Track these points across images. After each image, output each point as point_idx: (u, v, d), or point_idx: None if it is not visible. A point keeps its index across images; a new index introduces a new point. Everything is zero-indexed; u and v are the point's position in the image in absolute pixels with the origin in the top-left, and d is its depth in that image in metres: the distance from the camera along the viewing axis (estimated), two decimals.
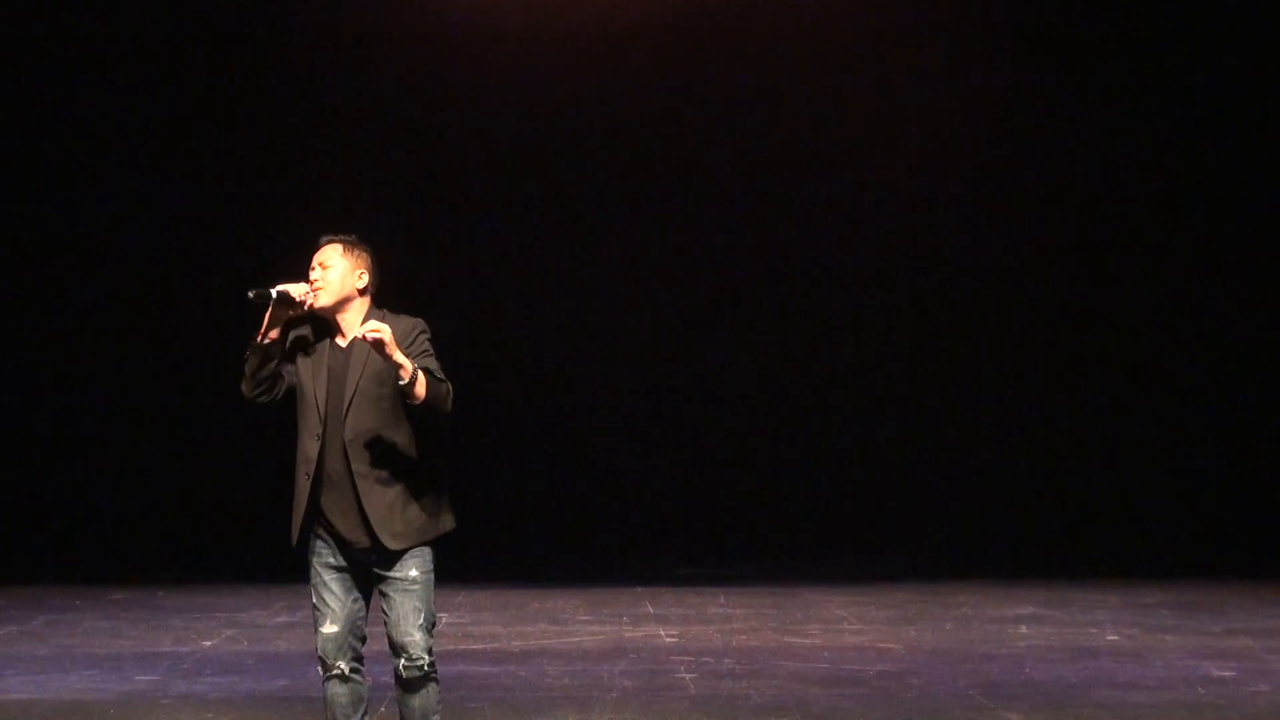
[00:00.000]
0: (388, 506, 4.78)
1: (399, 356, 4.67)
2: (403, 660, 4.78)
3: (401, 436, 4.80)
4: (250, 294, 4.80)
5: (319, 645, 4.86)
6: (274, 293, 4.83)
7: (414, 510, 4.81)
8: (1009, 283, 12.57)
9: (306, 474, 4.82)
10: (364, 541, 4.80)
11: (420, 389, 4.70)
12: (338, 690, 4.86)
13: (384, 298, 5.00)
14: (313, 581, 4.88)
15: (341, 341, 4.89)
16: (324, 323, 4.92)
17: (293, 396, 4.91)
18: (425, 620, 4.83)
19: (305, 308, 4.87)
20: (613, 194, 12.52)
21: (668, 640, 8.44)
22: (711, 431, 12.64)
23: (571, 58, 12.24)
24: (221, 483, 12.07)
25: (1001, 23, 12.33)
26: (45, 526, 12.19)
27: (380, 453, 4.79)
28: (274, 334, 4.85)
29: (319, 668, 4.88)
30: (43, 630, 8.98)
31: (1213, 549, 11.95)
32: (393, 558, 4.80)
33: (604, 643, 8.35)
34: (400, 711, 4.87)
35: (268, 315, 4.85)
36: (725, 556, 12.18)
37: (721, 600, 10.18)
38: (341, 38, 12.20)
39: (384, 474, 4.79)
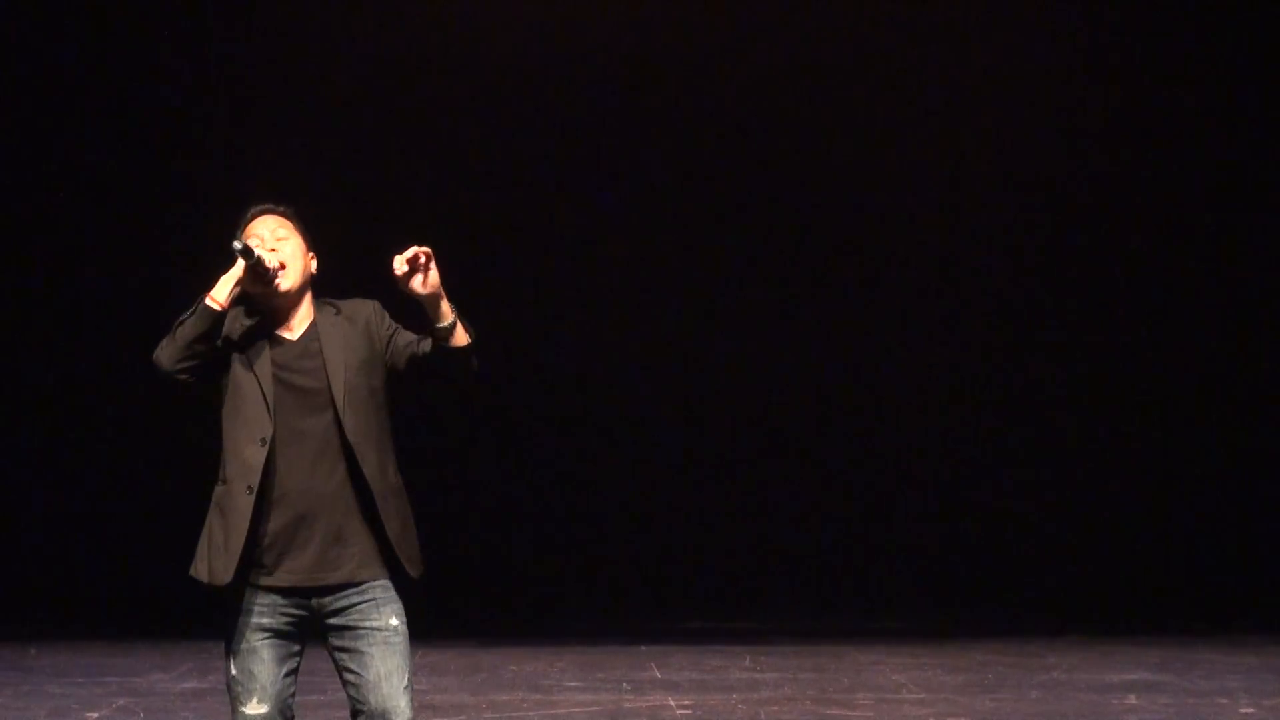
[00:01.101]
0: (403, 524, 4.70)
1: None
2: None
3: (390, 438, 4.75)
4: (236, 244, 4.63)
5: None
6: (257, 254, 4.65)
7: (413, 528, 4.73)
8: (1103, 304, 12.73)
9: (249, 488, 4.61)
10: (342, 578, 4.64)
11: (463, 333, 4.66)
12: None
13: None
14: (238, 646, 4.64)
15: (289, 334, 4.75)
16: (256, 313, 4.76)
17: (210, 393, 4.73)
18: (410, 681, 4.69)
19: (274, 286, 4.71)
20: (613, 204, 12.59)
21: (679, 712, 8.22)
22: (735, 452, 12.53)
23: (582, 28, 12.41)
24: (109, 515, 11.95)
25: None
26: None
27: (384, 458, 4.71)
28: (227, 303, 4.67)
29: None
30: None
31: None
32: (368, 600, 4.67)
33: (598, 715, 8.16)
34: None
35: (238, 278, 4.67)
36: (751, 607, 12.17)
37: (747, 662, 10.04)
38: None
39: (391, 485, 4.71)
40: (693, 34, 12.58)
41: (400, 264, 4.57)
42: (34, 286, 12.40)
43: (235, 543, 4.61)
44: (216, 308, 4.64)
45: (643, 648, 10.57)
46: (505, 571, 12.26)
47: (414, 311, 4.74)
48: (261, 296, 4.71)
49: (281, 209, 4.86)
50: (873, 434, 12.60)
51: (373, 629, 4.67)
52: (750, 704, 8.48)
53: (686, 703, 8.50)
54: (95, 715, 8.19)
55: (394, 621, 4.68)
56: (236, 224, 4.81)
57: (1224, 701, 8.53)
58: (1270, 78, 12.72)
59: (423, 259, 4.58)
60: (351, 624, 4.66)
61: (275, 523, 4.64)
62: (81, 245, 12.39)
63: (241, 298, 4.71)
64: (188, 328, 4.62)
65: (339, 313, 4.79)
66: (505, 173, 12.55)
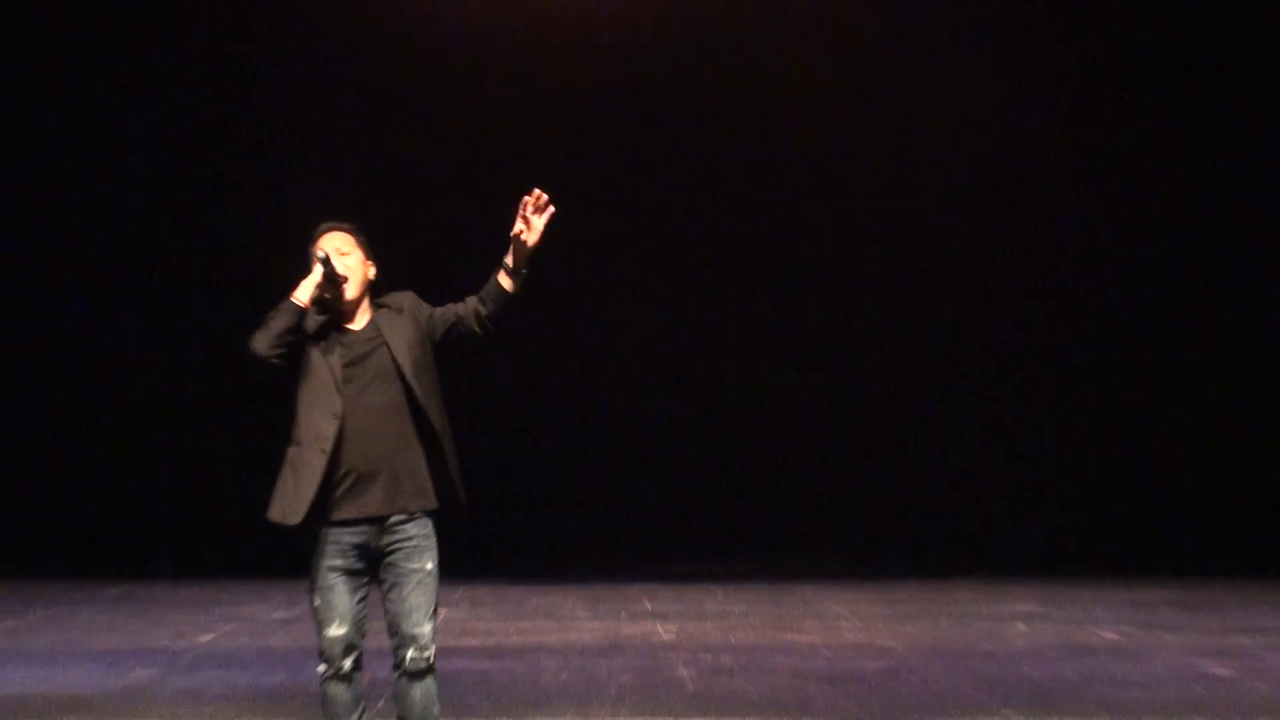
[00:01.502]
0: (456, 465, 4.91)
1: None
2: (410, 651, 4.86)
3: (441, 396, 4.94)
4: (321, 254, 4.85)
5: (324, 646, 4.89)
6: (334, 264, 4.87)
7: (458, 469, 4.96)
8: (1005, 278, 12.50)
9: (323, 451, 4.79)
10: (400, 507, 4.84)
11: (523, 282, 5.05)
12: (339, 689, 4.90)
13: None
14: (318, 585, 4.86)
15: (354, 326, 4.95)
16: (326, 313, 4.94)
17: (291, 374, 4.88)
18: (434, 612, 4.94)
19: (341, 291, 4.89)
20: (619, 187, 12.39)
21: (665, 637, 8.44)
22: (710, 427, 12.57)
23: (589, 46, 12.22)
24: (218, 477, 12.01)
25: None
26: (43, 522, 12.13)
27: (442, 414, 4.90)
28: (309, 302, 4.88)
29: (321, 666, 4.90)
30: (41, 625, 9.00)
31: (1213, 547, 11.90)
32: (414, 546, 4.87)
33: (602, 639, 8.33)
34: (400, 703, 4.92)
35: (319, 282, 4.85)
36: (724, 553, 12.21)
37: (720, 596, 10.20)
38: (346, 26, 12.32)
39: (448, 434, 4.89)
40: (695, 39, 12.31)
41: (531, 201, 4.94)
42: (159, 275, 12.34)
43: (306, 491, 4.79)
44: (300, 304, 4.85)
45: (637, 585, 10.72)
46: (530, 526, 12.40)
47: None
48: (331, 300, 4.93)
49: (346, 226, 5.01)
50: (821, 415, 12.51)
51: (412, 570, 4.90)
52: (722, 630, 8.74)
53: (672, 629, 8.76)
54: (206, 638, 8.48)
55: (429, 565, 4.92)
56: (308, 239, 4.95)
57: (1092, 628, 8.80)
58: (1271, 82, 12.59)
59: (544, 199, 4.97)
60: (397, 563, 4.90)
61: (343, 475, 4.83)
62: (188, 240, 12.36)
63: (315, 301, 4.91)
64: (278, 321, 4.82)
65: (389, 308, 5.02)
66: (525, 166, 12.25)
